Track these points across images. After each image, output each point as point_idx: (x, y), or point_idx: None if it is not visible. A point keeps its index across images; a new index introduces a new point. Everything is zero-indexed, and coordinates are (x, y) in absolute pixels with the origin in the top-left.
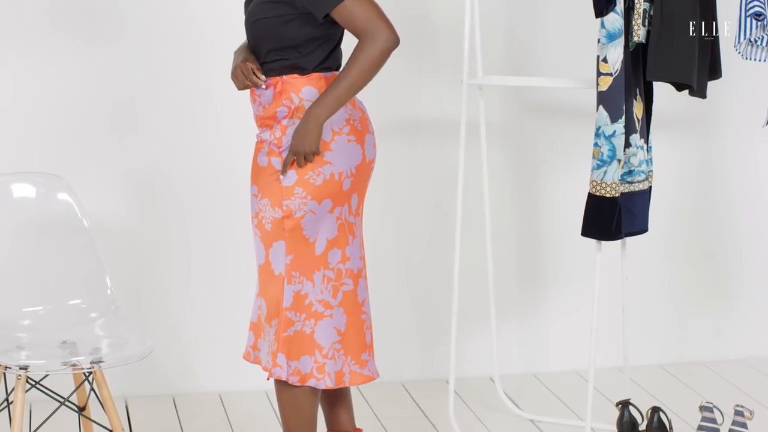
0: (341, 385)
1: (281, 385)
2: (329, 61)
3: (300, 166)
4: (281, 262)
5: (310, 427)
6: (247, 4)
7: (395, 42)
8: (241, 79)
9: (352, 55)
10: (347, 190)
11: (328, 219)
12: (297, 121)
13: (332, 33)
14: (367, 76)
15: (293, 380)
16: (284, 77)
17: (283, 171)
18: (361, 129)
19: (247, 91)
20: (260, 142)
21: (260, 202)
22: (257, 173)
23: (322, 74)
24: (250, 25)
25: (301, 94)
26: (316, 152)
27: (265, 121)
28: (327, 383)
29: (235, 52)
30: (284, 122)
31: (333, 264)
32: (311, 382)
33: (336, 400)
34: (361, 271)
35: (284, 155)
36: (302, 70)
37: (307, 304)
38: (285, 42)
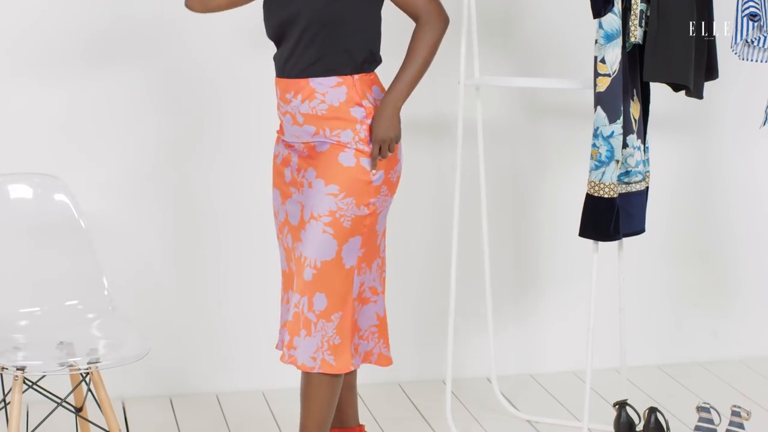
0: (366, 362)
1: (320, 379)
2: (379, 56)
3: (384, 156)
4: (354, 255)
5: (332, 417)
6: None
7: (448, 24)
8: None
9: (415, 39)
10: None
11: (387, 212)
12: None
13: (380, 21)
14: (430, 59)
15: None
16: (356, 77)
17: (374, 165)
18: None
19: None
20: (339, 144)
21: (342, 201)
22: (339, 173)
23: (375, 75)
24: (324, 7)
25: (374, 94)
26: (398, 140)
27: (328, 122)
28: (356, 363)
29: None
30: (368, 122)
31: (381, 252)
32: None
33: (345, 395)
34: (385, 259)
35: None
36: (373, 64)
37: (361, 291)
38: (360, 24)
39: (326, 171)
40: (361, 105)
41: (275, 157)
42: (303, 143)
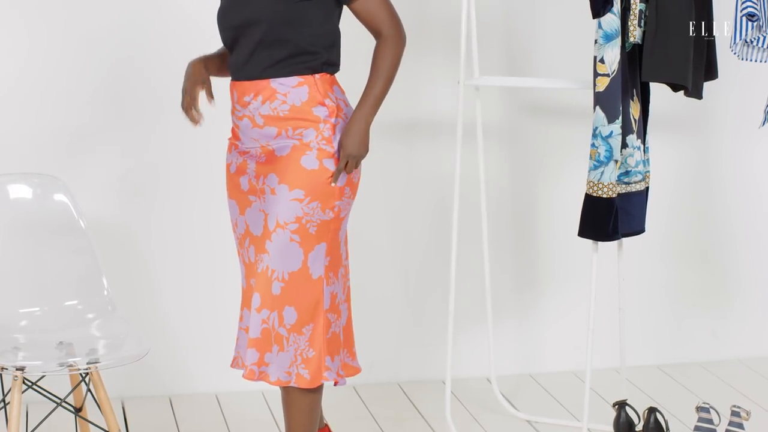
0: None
1: (299, 392)
2: (338, 62)
3: (349, 171)
4: (320, 264)
5: (316, 426)
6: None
7: (405, 41)
8: (186, 98)
9: (381, 57)
10: None
11: (348, 217)
12: (341, 121)
13: (338, 29)
14: (395, 75)
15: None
16: (317, 76)
17: (336, 178)
18: None
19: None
20: (302, 145)
21: (307, 205)
22: (303, 177)
23: (335, 76)
24: (286, 8)
25: (335, 94)
26: (365, 156)
27: (290, 122)
28: (328, 376)
29: (192, 64)
30: (332, 120)
31: (344, 260)
32: (341, 381)
33: None
34: (348, 268)
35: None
36: (333, 67)
37: (336, 303)
38: (320, 28)
39: (289, 176)
40: (323, 104)
41: (228, 166)
42: (261, 147)
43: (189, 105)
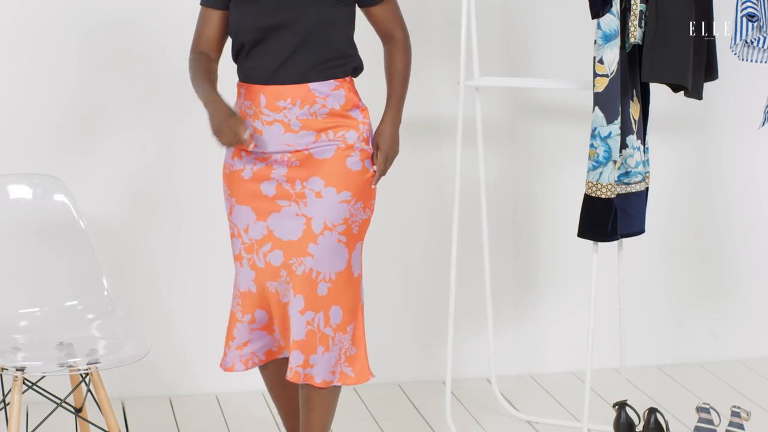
0: None
1: (325, 390)
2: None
3: (385, 172)
4: (359, 262)
5: (332, 423)
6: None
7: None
8: (229, 136)
9: (398, 60)
10: None
11: None
12: (369, 123)
13: None
14: (410, 75)
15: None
16: (347, 79)
17: (378, 179)
18: None
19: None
20: (346, 147)
21: (354, 206)
22: (350, 178)
23: None
24: (330, 9)
25: (360, 96)
26: None
27: (330, 125)
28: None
29: (210, 103)
30: (368, 122)
31: None
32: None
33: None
34: None
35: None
36: (359, 70)
37: (363, 299)
38: (351, 30)
39: (336, 178)
40: (358, 107)
41: (238, 172)
42: (291, 153)
43: (234, 140)
